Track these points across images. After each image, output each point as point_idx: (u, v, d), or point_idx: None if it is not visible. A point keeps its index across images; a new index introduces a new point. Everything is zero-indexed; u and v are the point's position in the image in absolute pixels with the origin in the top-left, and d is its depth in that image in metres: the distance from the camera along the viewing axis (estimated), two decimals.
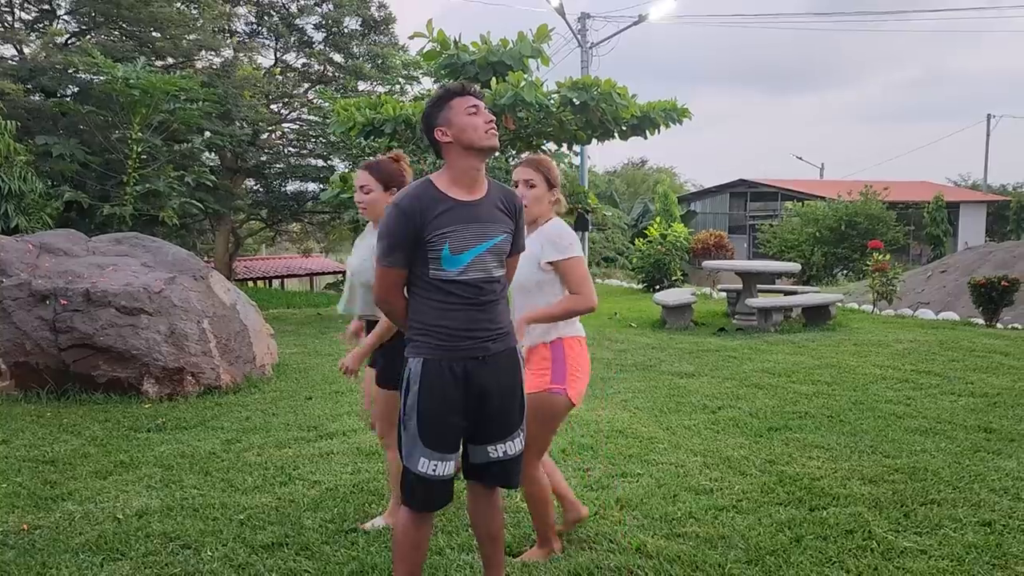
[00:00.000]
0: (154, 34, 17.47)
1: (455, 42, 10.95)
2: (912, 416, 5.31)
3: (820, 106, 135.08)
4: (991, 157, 44.82)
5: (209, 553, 3.25)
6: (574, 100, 10.57)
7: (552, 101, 10.69)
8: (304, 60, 22.15)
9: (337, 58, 21.66)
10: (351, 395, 6.19)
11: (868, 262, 12.34)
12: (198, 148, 17.92)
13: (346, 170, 15.00)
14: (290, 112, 22.55)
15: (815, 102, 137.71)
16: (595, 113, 10.82)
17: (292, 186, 22.01)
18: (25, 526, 3.53)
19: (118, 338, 6.05)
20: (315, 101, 21.28)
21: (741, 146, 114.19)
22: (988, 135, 39.96)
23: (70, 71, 15.29)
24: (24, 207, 11.23)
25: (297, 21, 21.18)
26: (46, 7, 17.69)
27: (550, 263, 2.99)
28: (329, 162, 20.59)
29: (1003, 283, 10.26)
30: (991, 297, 10.35)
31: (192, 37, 18.03)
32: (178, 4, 18.22)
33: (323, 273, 30.51)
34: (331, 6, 20.94)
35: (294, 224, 26.18)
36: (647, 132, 11.50)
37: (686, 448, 4.65)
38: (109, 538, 3.39)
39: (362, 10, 21.09)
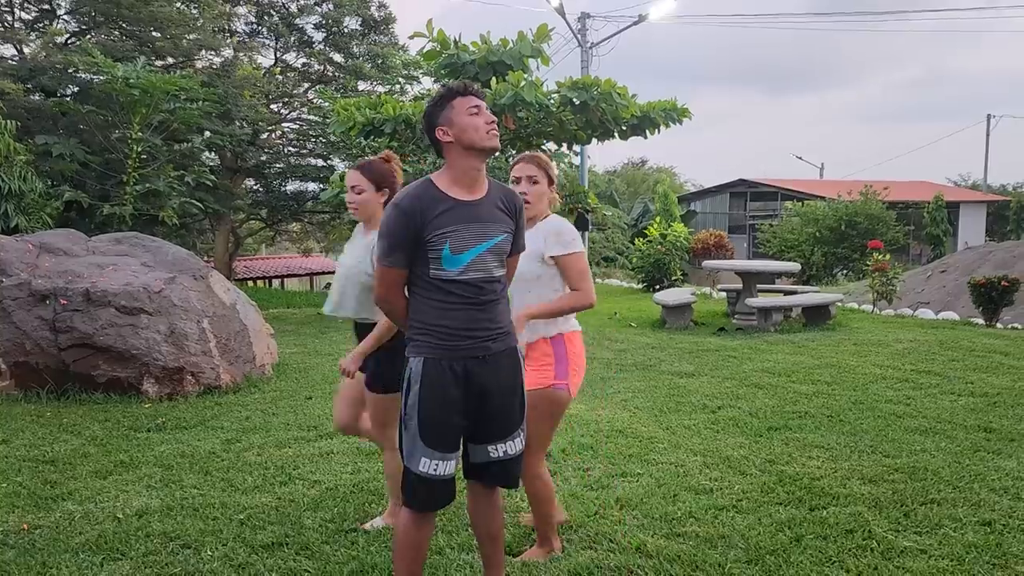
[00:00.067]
0: (154, 34, 17.46)
1: (455, 42, 10.95)
2: (912, 416, 5.31)
3: (820, 106, 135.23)
4: (991, 157, 44.84)
5: (209, 553, 3.25)
6: (574, 100, 10.57)
7: (552, 101, 10.69)
8: (304, 60, 22.14)
9: (337, 58, 21.65)
10: None
11: (868, 262, 12.35)
12: (198, 148, 17.91)
13: (346, 170, 14.99)
14: (290, 112, 22.54)
15: (815, 102, 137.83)
16: (595, 113, 10.82)
17: (292, 186, 22.01)
18: (25, 526, 3.53)
19: (118, 338, 6.05)
20: (315, 101, 21.27)
21: (741, 146, 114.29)
22: (988, 135, 40.00)
23: (70, 71, 15.27)
24: (24, 207, 11.23)
25: (297, 21, 21.16)
26: (46, 7, 17.68)
27: (552, 257, 3.01)
28: (329, 162, 20.58)
29: (1003, 283, 10.26)
30: (991, 297, 10.35)
31: (192, 37, 18.02)
32: (178, 4, 18.20)
33: (323, 273, 30.49)
34: (331, 6, 20.92)
35: (294, 224, 26.16)
36: (647, 132, 11.50)
37: (686, 448, 4.65)
38: (109, 538, 3.39)
39: (362, 10, 21.07)
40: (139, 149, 13.57)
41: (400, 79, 21.31)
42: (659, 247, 16.39)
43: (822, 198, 23.67)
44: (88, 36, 17.57)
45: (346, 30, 21.27)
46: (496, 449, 2.56)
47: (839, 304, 11.37)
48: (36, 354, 6.03)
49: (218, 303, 6.89)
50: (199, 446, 4.79)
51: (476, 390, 2.47)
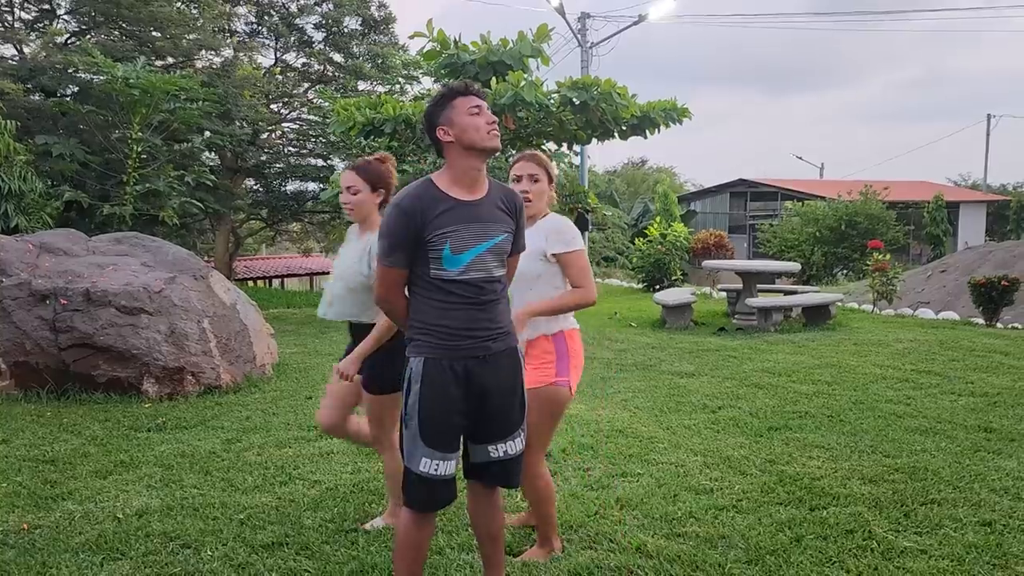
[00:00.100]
0: (154, 34, 17.46)
1: (455, 42, 10.95)
2: (912, 416, 5.31)
3: (820, 106, 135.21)
4: (991, 157, 44.86)
5: (209, 553, 3.25)
6: (574, 100, 10.57)
7: (552, 101, 10.69)
8: (304, 60, 22.13)
9: (337, 58, 21.64)
10: None
11: (868, 262, 12.35)
12: (198, 148, 17.91)
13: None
14: (290, 112, 22.54)
15: (815, 102, 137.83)
16: (595, 113, 10.82)
17: (292, 186, 22.00)
18: (25, 525, 3.53)
19: (118, 338, 6.05)
20: (315, 101, 21.27)
21: (741, 146, 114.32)
22: (988, 135, 40.04)
23: (70, 71, 15.27)
24: (24, 207, 11.23)
25: (297, 21, 21.16)
26: (46, 7, 17.68)
27: (554, 255, 3.02)
28: (329, 162, 20.58)
29: (1003, 283, 10.26)
30: (991, 297, 10.35)
31: (192, 37, 18.01)
32: (178, 4, 18.20)
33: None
34: (331, 6, 20.92)
35: (294, 224, 26.16)
36: (647, 132, 11.51)
37: (686, 448, 4.65)
38: (109, 537, 3.38)
39: (362, 10, 21.07)
40: (139, 149, 13.57)
41: (400, 79, 21.31)
42: (659, 247, 16.39)
43: (822, 198, 23.67)
44: (88, 36, 17.57)
45: (346, 30, 21.27)
46: (496, 449, 2.56)
47: (839, 304, 11.36)
48: (36, 354, 6.03)
49: (218, 303, 6.89)
50: (199, 446, 4.79)
51: (476, 390, 2.47)
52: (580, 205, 12.77)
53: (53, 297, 6.14)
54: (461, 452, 2.56)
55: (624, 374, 7.02)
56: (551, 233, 3.04)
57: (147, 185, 13.50)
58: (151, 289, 6.36)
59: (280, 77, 22.02)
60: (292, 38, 21.26)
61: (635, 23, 20.29)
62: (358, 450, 4.63)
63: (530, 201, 3.04)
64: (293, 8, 21.14)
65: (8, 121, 11.34)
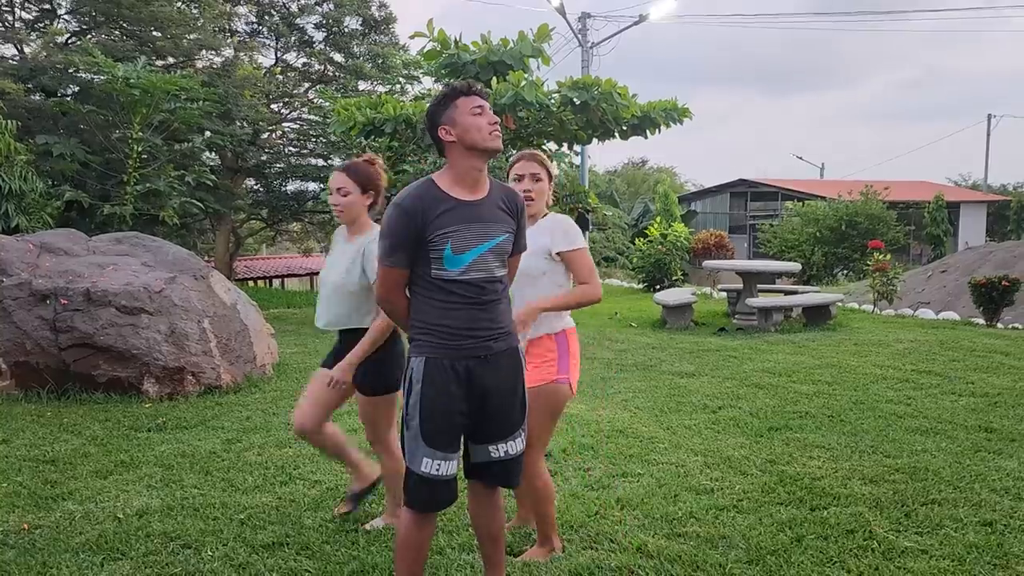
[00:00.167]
0: (155, 33, 17.46)
1: (456, 42, 10.94)
2: (913, 416, 5.31)
3: (820, 106, 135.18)
4: (991, 157, 44.85)
5: (209, 553, 3.24)
6: (575, 100, 10.56)
7: (553, 101, 10.68)
8: (304, 60, 22.13)
9: (337, 58, 21.64)
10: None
11: (868, 262, 12.35)
12: (198, 148, 17.90)
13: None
14: (290, 112, 22.54)
15: (815, 102, 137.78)
16: (595, 113, 10.82)
17: (292, 186, 22.00)
18: (25, 525, 3.53)
19: (118, 338, 6.05)
20: (315, 101, 21.27)
21: (741, 146, 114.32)
22: (988, 135, 40.05)
23: (70, 70, 15.27)
24: (24, 207, 11.22)
25: (298, 21, 21.16)
26: (47, 6, 17.68)
27: (559, 253, 3.04)
28: (330, 162, 20.57)
29: (1003, 283, 10.26)
30: (991, 297, 10.35)
31: (192, 36, 18.02)
32: (179, 3, 18.21)
33: None
34: (332, 6, 20.92)
35: (294, 224, 26.17)
36: (647, 132, 11.50)
37: (687, 448, 4.64)
38: (109, 538, 3.38)
39: (363, 10, 21.07)
40: (139, 149, 13.57)
41: (400, 79, 21.31)
42: (659, 247, 16.39)
43: (822, 198, 23.66)
44: (89, 36, 17.57)
45: (347, 30, 21.27)
46: (497, 449, 2.56)
47: (839, 304, 11.36)
48: (36, 354, 6.03)
49: (219, 303, 6.89)
50: (199, 446, 4.79)
51: (478, 390, 2.47)
52: (580, 205, 12.76)
53: (53, 297, 6.14)
54: (462, 452, 2.56)
55: (624, 374, 7.02)
56: (556, 232, 3.05)
57: (147, 185, 13.50)
58: (151, 289, 6.36)
59: (280, 77, 22.02)
60: (293, 38, 21.26)
61: (636, 23, 20.31)
62: (358, 450, 4.62)
63: (532, 200, 3.05)
64: (294, 8, 21.14)
65: (9, 121, 11.34)
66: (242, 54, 20.73)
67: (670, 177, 45.82)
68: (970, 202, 33.04)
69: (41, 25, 17.61)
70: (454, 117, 2.43)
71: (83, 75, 15.35)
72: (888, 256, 12.04)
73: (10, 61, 16.39)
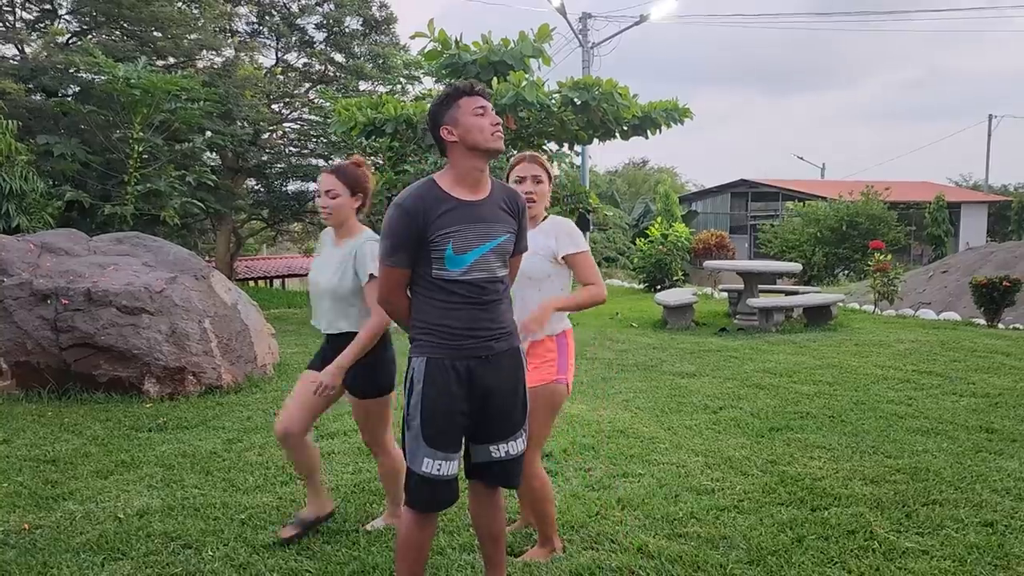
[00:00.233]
0: (155, 34, 17.47)
1: (456, 42, 10.95)
2: (914, 416, 5.31)
3: (821, 106, 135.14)
4: (992, 157, 44.86)
5: (210, 553, 3.24)
6: (575, 100, 10.57)
7: (553, 101, 10.68)
8: (305, 60, 22.14)
9: (338, 58, 21.65)
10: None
11: (869, 262, 12.34)
12: (199, 148, 17.91)
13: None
14: (291, 112, 22.55)
15: (816, 102, 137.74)
16: (596, 113, 10.82)
17: (293, 186, 22.01)
18: (26, 525, 3.53)
19: (119, 337, 6.05)
20: (316, 101, 21.28)
21: (742, 146, 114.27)
22: (989, 135, 40.10)
23: (71, 71, 15.28)
24: (25, 207, 11.23)
25: (298, 21, 21.16)
26: (47, 7, 17.68)
27: (565, 257, 3.06)
28: (330, 162, 20.59)
29: (1004, 283, 10.26)
30: (992, 297, 10.35)
31: (193, 37, 18.02)
32: (179, 4, 18.22)
33: None
34: (332, 6, 20.92)
35: (295, 224, 26.18)
36: (648, 132, 11.51)
37: (687, 448, 4.64)
38: (110, 538, 3.38)
39: (363, 10, 21.08)
40: (140, 149, 13.58)
41: (401, 79, 21.32)
42: (660, 247, 16.39)
43: (823, 198, 23.65)
44: (89, 36, 17.58)
45: (347, 30, 21.28)
46: (498, 449, 2.56)
47: (840, 304, 11.36)
48: (37, 354, 6.03)
49: (219, 303, 6.89)
50: (200, 446, 4.79)
51: (479, 390, 2.46)
52: (581, 205, 12.77)
53: (54, 297, 6.14)
54: (463, 452, 2.56)
55: (625, 374, 7.02)
56: (561, 235, 3.07)
57: (148, 185, 13.50)
58: (152, 289, 6.36)
59: (281, 77, 22.04)
60: (293, 38, 21.27)
61: (636, 23, 20.30)
62: (359, 450, 4.63)
63: (534, 202, 3.06)
64: (294, 8, 21.15)
65: (9, 121, 11.34)
66: (243, 54, 20.74)
67: (671, 177, 45.84)
68: (971, 202, 33.03)
69: (42, 25, 17.63)
70: (456, 117, 2.42)
71: (84, 75, 15.36)
72: (889, 256, 12.04)
73: (11, 61, 16.40)
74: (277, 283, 28.47)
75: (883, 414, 5.38)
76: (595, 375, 6.92)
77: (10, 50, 17.29)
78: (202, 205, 15.78)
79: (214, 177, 16.17)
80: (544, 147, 11.94)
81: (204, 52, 19.08)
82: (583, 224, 13.34)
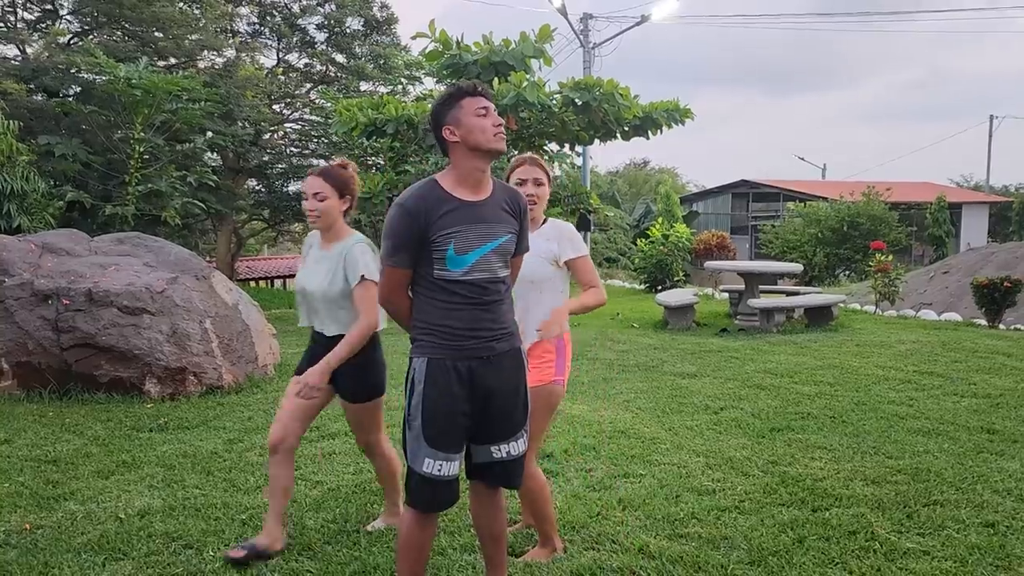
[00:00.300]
0: (156, 34, 17.49)
1: (457, 42, 10.95)
2: (915, 417, 5.30)
3: (822, 106, 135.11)
4: (993, 158, 44.83)
5: (211, 553, 3.24)
6: (576, 100, 10.57)
7: (554, 101, 10.69)
8: (306, 60, 22.16)
9: (339, 58, 21.66)
10: None
11: (870, 263, 12.33)
12: (200, 148, 17.92)
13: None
14: (292, 112, 22.57)
15: (817, 102, 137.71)
16: (597, 114, 10.82)
17: (294, 186, 21.99)
18: (27, 525, 3.53)
19: (120, 338, 6.05)
20: (317, 101, 21.30)
21: (743, 147, 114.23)
22: (991, 136, 40.16)
23: (72, 71, 15.29)
24: (26, 207, 11.23)
25: (299, 21, 21.18)
26: (48, 7, 17.70)
27: (568, 261, 3.09)
28: (331, 162, 20.58)
29: (1006, 284, 10.25)
30: (994, 298, 10.34)
31: (194, 37, 18.04)
32: (180, 4, 18.24)
33: None
34: (333, 6, 20.94)
35: (296, 224, 26.18)
36: (649, 132, 11.51)
37: (688, 449, 4.64)
38: (111, 538, 3.38)
39: (364, 10, 21.09)
40: (141, 149, 13.59)
41: (402, 80, 21.33)
42: (661, 248, 16.39)
43: (824, 199, 23.64)
44: (90, 36, 17.60)
45: (348, 30, 21.29)
46: (499, 450, 2.55)
47: (841, 305, 11.35)
48: (38, 354, 6.03)
49: (220, 303, 6.90)
50: (201, 446, 4.79)
51: (480, 391, 2.46)
52: (582, 206, 12.77)
53: (55, 297, 6.14)
54: (464, 453, 2.56)
55: (626, 375, 7.02)
56: (563, 240, 3.10)
57: (149, 185, 13.51)
58: (153, 289, 6.36)
59: (282, 77, 22.05)
60: (294, 39, 21.28)
61: (637, 24, 20.30)
62: (360, 450, 4.62)
63: (535, 204, 3.07)
64: (295, 8, 21.17)
65: (11, 121, 11.35)
66: (244, 55, 20.76)
67: (672, 178, 45.84)
68: (972, 203, 32.99)
69: (43, 26, 17.64)
70: (458, 117, 2.42)
71: (85, 75, 15.37)
72: (890, 257, 12.03)
73: (12, 62, 16.42)
74: (278, 283, 28.48)
75: (884, 415, 5.37)
76: (596, 376, 6.92)
77: (11, 50, 17.33)
78: (203, 205, 15.79)
79: (215, 177, 16.18)
80: (545, 148, 11.95)
81: (205, 52, 19.11)
82: (584, 225, 13.34)
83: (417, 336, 2.49)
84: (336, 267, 3.14)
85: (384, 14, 21.49)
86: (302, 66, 22.32)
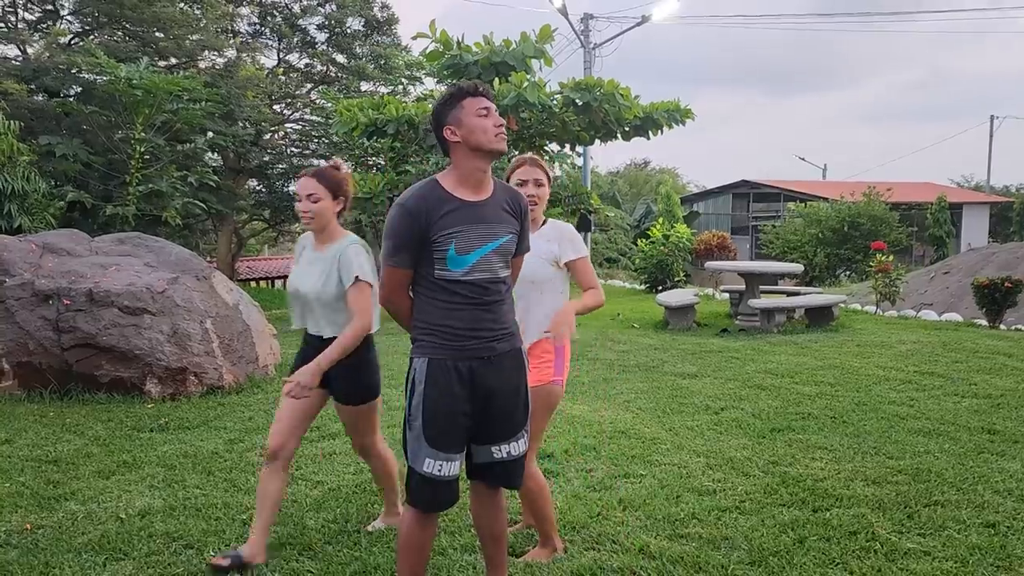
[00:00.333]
0: (157, 34, 17.51)
1: (458, 43, 10.96)
2: (915, 417, 5.30)
3: (823, 107, 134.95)
4: (994, 158, 44.81)
5: (212, 553, 3.24)
6: (577, 101, 10.58)
7: (555, 102, 10.70)
8: (307, 60, 22.18)
9: (340, 58, 21.68)
10: None
11: (871, 263, 12.32)
12: (201, 148, 17.95)
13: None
14: (293, 112, 22.59)
15: (818, 103, 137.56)
16: (598, 114, 10.83)
17: (295, 186, 22.02)
18: (28, 526, 3.53)
19: (121, 338, 6.06)
20: (318, 101, 21.32)
21: (744, 147, 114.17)
22: (991, 136, 40.17)
23: (73, 71, 15.31)
24: (27, 207, 11.24)
25: (300, 22, 21.21)
26: (49, 7, 17.72)
27: (568, 262, 3.10)
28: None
29: (1006, 284, 10.24)
30: (994, 298, 10.33)
31: (195, 37, 18.06)
32: (181, 4, 18.25)
33: None
34: (334, 7, 20.96)
35: (297, 224, 26.19)
36: (650, 133, 11.52)
37: (689, 449, 4.64)
38: (112, 538, 3.39)
39: (365, 11, 21.11)
40: (142, 149, 13.60)
41: (403, 80, 21.35)
42: (662, 248, 16.39)
43: (825, 199, 23.63)
44: (91, 37, 17.62)
45: (349, 31, 21.31)
46: (500, 450, 2.55)
47: (842, 305, 11.35)
48: (39, 354, 6.03)
49: (221, 303, 6.90)
50: (202, 446, 4.79)
51: (481, 391, 2.46)
52: (583, 206, 12.77)
53: (56, 297, 6.15)
54: (465, 453, 2.56)
55: (627, 375, 7.02)
56: (564, 242, 3.11)
57: (150, 186, 13.53)
58: (154, 289, 6.37)
59: (283, 78, 22.07)
60: (295, 39, 21.30)
61: (638, 24, 20.31)
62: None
63: (536, 205, 3.08)
64: (296, 9, 21.19)
65: (12, 121, 11.36)
66: (244, 55, 20.77)
67: (672, 178, 45.85)
68: (973, 203, 32.98)
69: (44, 26, 17.66)
70: (460, 118, 2.42)
71: (86, 76, 15.39)
72: (891, 257, 12.02)
73: (13, 62, 16.44)
74: (279, 284, 28.48)
75: (885, 415, 5.37)
76: (596, 376, 6.92)
77: (12, 51, 17.35)
78: (204, 206, 15.80)
79: (216, 178, 16.20)
80: (546, 148, 11.96)
81: (206, 53, 19.13)
82: (584, 225, 13.35)
83: (418, 336, 2.49)
84: (330, 268, 3.13)
85: (385, 14, 21.52)
86: (303, 66, 22.35)
